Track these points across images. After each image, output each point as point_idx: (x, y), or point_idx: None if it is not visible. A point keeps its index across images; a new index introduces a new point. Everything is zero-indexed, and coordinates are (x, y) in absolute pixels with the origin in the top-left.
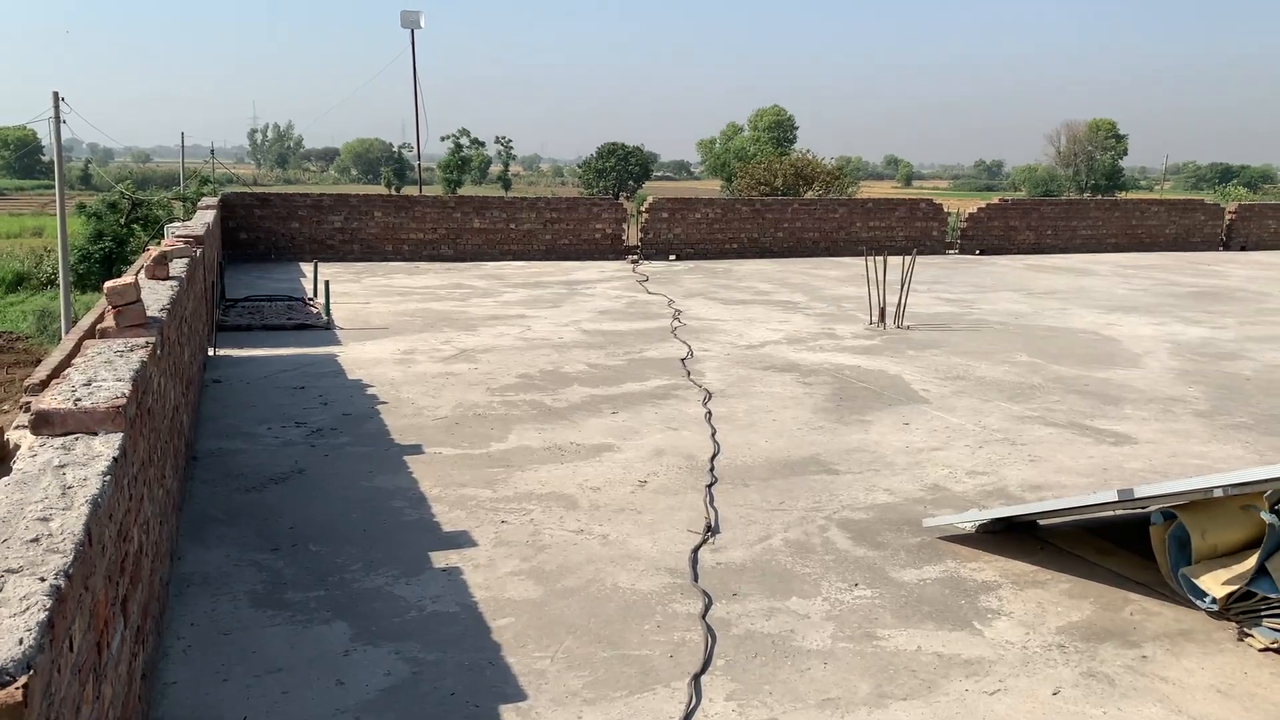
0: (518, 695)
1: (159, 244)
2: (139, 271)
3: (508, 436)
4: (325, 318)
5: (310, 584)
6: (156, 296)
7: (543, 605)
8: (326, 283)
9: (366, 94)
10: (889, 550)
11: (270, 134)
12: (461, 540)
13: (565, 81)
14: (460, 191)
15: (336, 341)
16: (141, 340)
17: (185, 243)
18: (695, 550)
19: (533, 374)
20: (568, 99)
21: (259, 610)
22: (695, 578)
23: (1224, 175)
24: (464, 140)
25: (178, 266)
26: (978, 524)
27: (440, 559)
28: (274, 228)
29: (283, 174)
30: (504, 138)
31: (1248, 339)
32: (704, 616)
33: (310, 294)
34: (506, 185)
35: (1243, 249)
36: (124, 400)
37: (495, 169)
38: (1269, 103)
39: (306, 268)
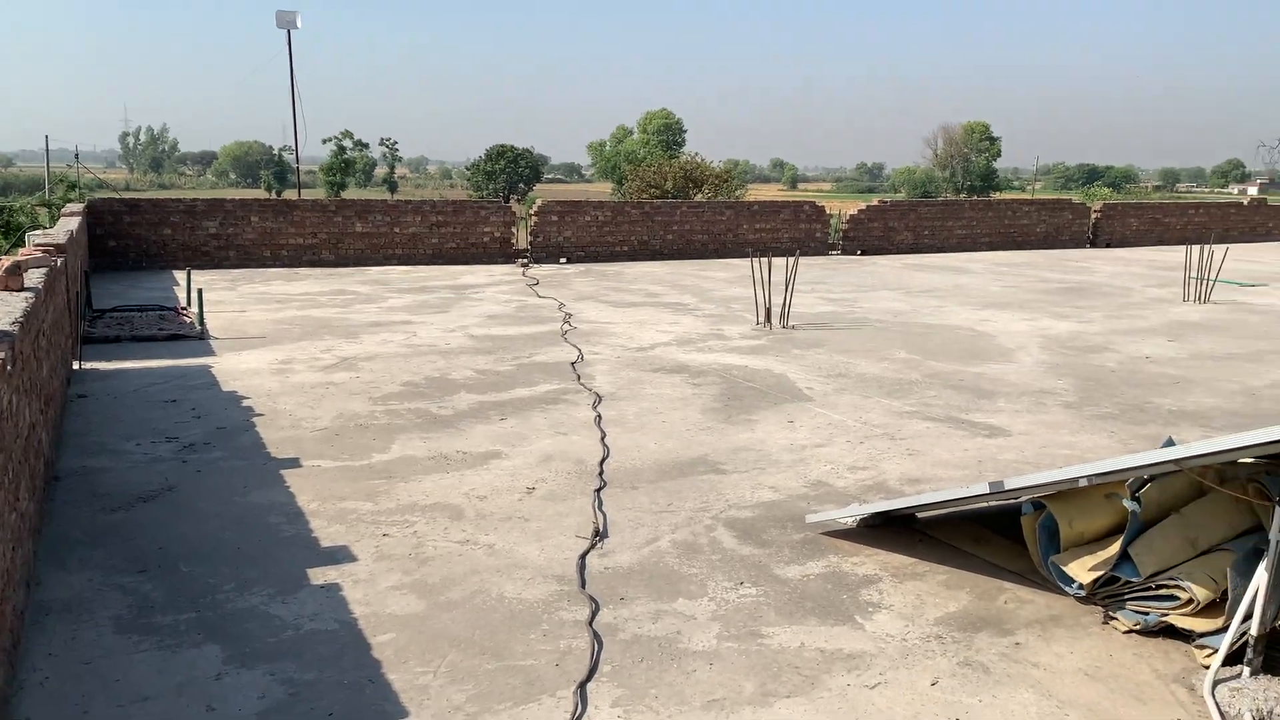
0: (399, 713)
1: (18, 253)
2: None
3: (391, 447)
4: (199, 327)
5: (180, 606)
6: (8, 309)
7: (426, 619)
8: (200, 291)
9: (245, 96)
10: (774, 548)
11: (143, 137)
12: (341, 555)
13: (453, 83)
14: (344, 195)
15: (211, 352)
16: None
17: (44, 251)
18: (583, 556)
19: (418, 381)
20: (456, 101)
21: (124, 636)
22: (583, 584)
23: (1090, 176)
24: (347, 142)
25: (34, 277)
26: (858, 518)
27: (318, 575)
28: (145, 235)
29: (157, 178)
30: (389, 139)
31: (1113, 332)
32: (591, 623)
33: (184, 303)
34: (392, 188)
35: (1107, 246)
36: None
37: (380, 171)
38: (1132, 106)
39: (180, 276)
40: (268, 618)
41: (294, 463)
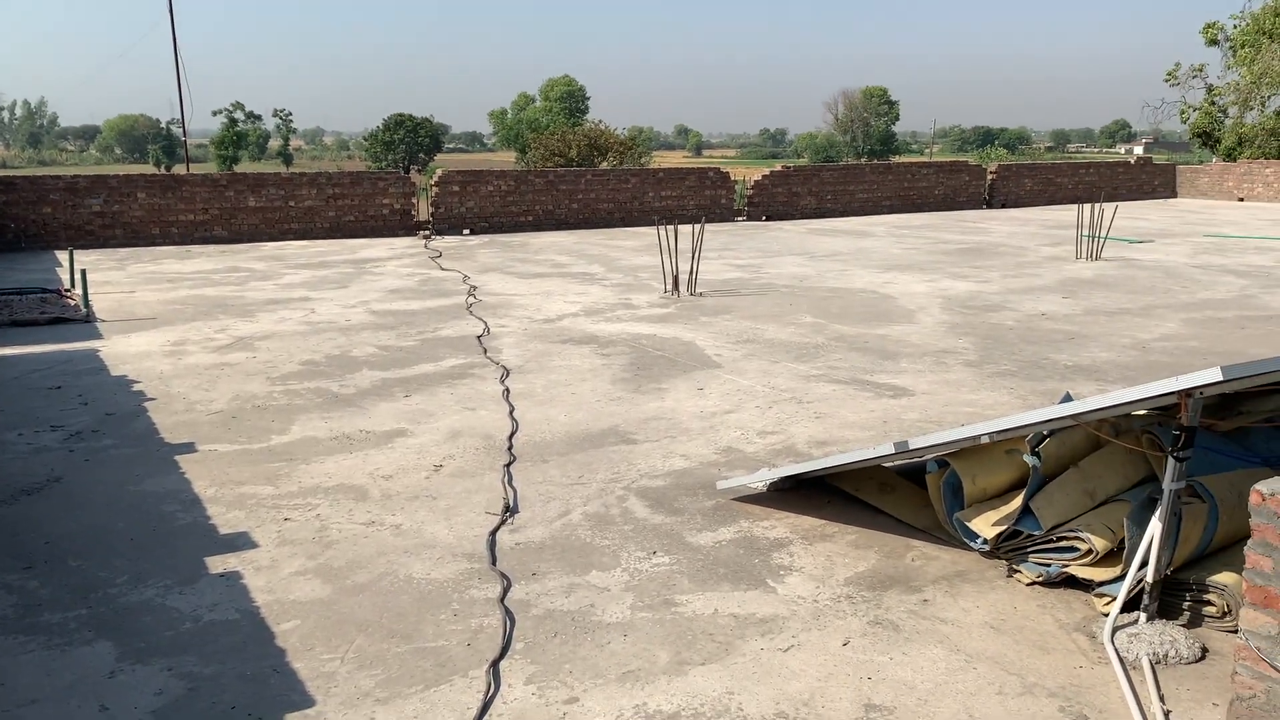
0: (305, 701)
1: None
2: None
3: (290, 428)
4: (84, 310)
5: (69, 603)
6: None
7: (331, 604)
8: (84, 272)
9: (128, 66)
10: (686, 515)
11: (19, 111)
12: (241, 542)
13: (349, 52)
14: (236, 169)
15: (98, 335)
16: None
17: None
18: (493, 532)
19: (318, 360)
20: (352, 70)
21: (9, 637)
22: (493, 561)
23: (986, 138)
24: (238, 114)
25: None
26: (768, 483)
27: (218, 564)
28: (22, 214)
29: (35, 155)
30: (283, 111)
31: (1009, 291)
32: (502, 600)
33: (67, 284)
34: (287, 161)
35: (1003, 206)
36: None
37: (274, 144)
38: (1023, 68)
39: (62, 256)
40: (164, 610)
41: (189, 448)
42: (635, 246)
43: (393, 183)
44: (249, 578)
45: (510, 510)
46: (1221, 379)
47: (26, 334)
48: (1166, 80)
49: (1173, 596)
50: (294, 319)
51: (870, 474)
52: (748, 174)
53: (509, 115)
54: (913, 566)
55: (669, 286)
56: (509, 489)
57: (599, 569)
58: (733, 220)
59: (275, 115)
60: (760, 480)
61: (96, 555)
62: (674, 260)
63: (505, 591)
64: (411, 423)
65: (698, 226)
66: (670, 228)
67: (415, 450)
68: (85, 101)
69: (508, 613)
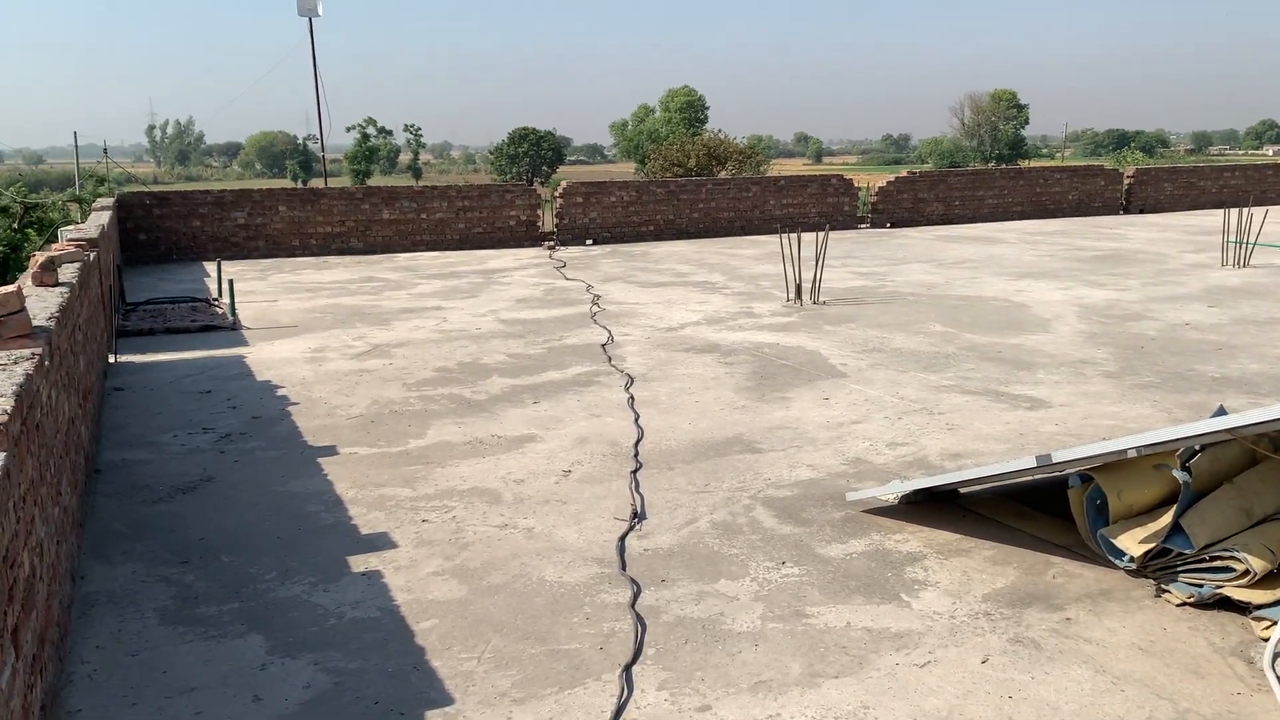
0: (444, 700)
1: (51, 249)
2: (26, 279)
3: (426, 432)
4: (231, 318)
5: (223, 597)
6: (44, 304)
7: (468, 604)
8: (231, 281)
9: (268, 86)
10: (814, 526)
11: (170, 130)
12: (381, 542)
13: (474, 67)
14: (369, 182)
15: (244, 342)
16: (27, 352)
17: (77, 246)
18: (622, 538)
19: (450, 367)
20: (478, 85)
21: (169, 628)
22: (623, 566)
23: (1120, 141)
24: (370, 130)
25: (69, 272)
26: (900, 495)
27: (359, 563)
28: (174, 227)
29: (184, 171)
30: (413, 126)
31: (1150, 300)
32: (633, 605)
33: (214, 294)
34: (417, 174)
35: (1141, 212)
36: (5, 418)
37: (405, 158)
38: (1160, 66)
39: (210, 267)
40: (310, 606)
41: (330, 450)
42: (756, 255)
43: (519, 195)
44: (389, 576)
45: (638, 516)
46: None
47: (180, 341)
48: None
49: None
50: (427, 327)
51: (1007, 504)
52: (871, 180)
53: (629, 127)
54: (1054, 584)
55: (791, 295)
56: (636, 495)
57: (728, 578)
58: (856, 228)
59: (406, 130)
60: (891, 492)
61: (247, 552)
62: (796, 268)
63: (635, 597)
64: (541, 428)
65: (820, 234)
66: (792, 235)
67: (545, 455)
68: (229, 119)
69: (639, 618)
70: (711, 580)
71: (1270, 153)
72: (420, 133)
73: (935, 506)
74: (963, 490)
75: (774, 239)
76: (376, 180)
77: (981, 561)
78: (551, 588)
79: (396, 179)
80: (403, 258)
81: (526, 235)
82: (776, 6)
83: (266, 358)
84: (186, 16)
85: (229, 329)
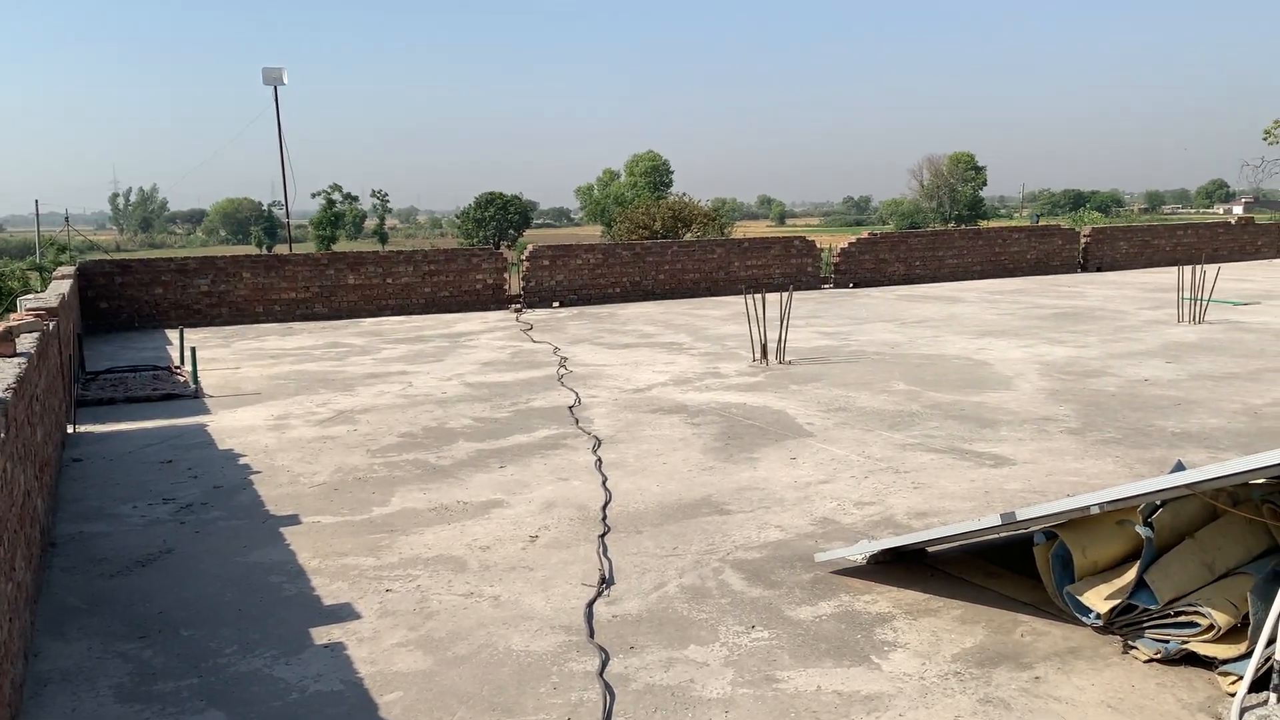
0: None
1: (9, 318)
2: None
3: (390, 499)
4: (193, 386)
5: (182, 672)
6: (1, 375)
7: (433, 676)
8: (194, 349)
9: (233, 153)
10: (784, 588)
11: (133, 197)
12: (344, 613)
13: (439, 132)
14: (335, 248)
15: (206, 410)
16: None
17: (36, 316)
18: (590, 604)
19: (415, 432)
20: (444, 150)
21: (125, 705)
22: (591, 633)
23: (1077, 201)
24: (336, 195)
25: (27, 341)
26: (868, 555)
27: (322, 635)
28: (137, 295)
29: (148, 238)
30: (379, 191)
31: (1110, 356)
32: (601, 673)
33: (177, 362)
34: (383, 239)
35: (1098, 270)
36: None
37: (371, 223)
38: (1113, 131)
39: (173, 335)
40: (271, 680)
41: (293, 519)
42: (722, 316)
43: (485, 258)
44: (352, 648)
45: (606, 582)
46: None
47: (141, 410)
48: (1265, 138)
49: None
50: (392, 392)
51: (974, 563)
52: (833, 241)
53: (595, 190)
54: (1022, 642)
55: (757, 355)
56: (604, 560)
57: (697, 643)
58: (819, 288)
59: (373, 195)
60: (860, 553)
61: (207, 625)
62: (762, 328)
63: (604, 665)
64: (507, 493)
65: (785, 294)
66: (757, 296)
67: (511, 521)
68: (193, 186)
69: (607, 687)
70: (681, 646)
71: (1221, 211)
72: (386, 197)
73: (903, 566)
74: (930, 549)
75: (739, 299)
76: (342, 246)
77: (950, 621)
78: (518, 657)
79: (362, 244)
80: (368, 323)
81: (493, 298)
82: (736, 73)
83: (229, 425)
84: (150, 84)
85: (191, 397)
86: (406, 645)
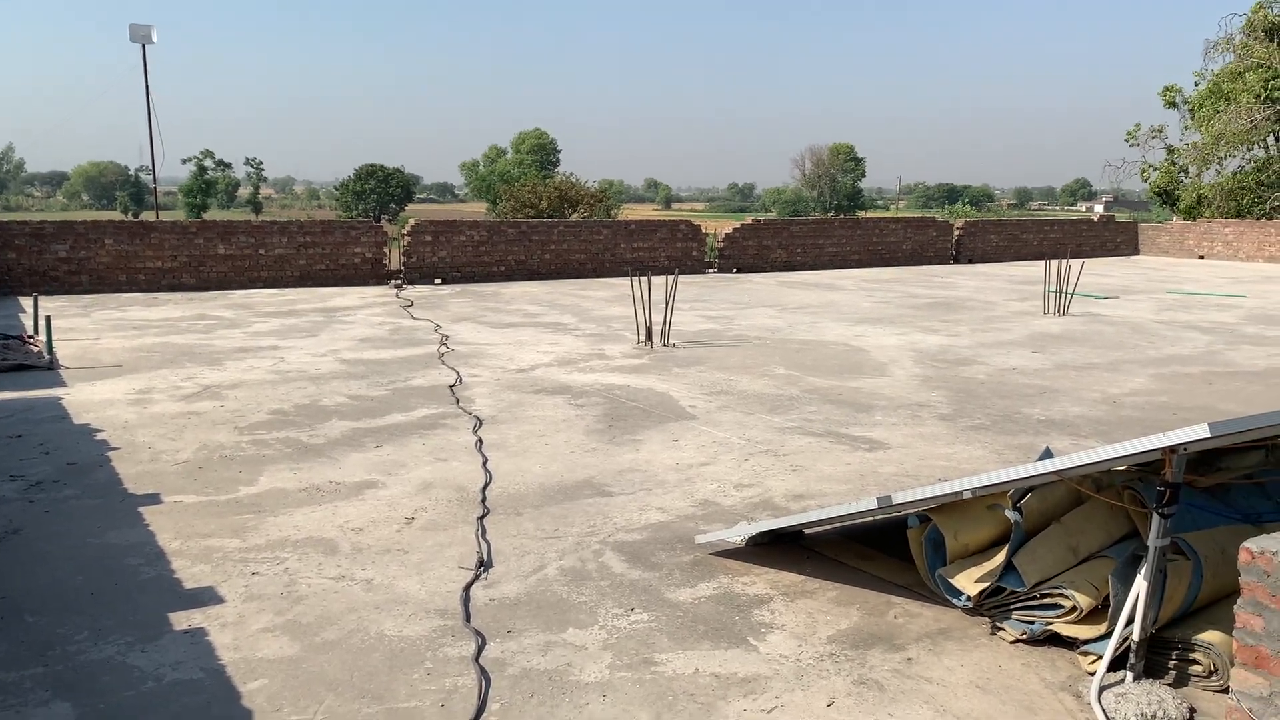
0: None
1: None
2: None
3: (259, 479)
4: (47, 357)
5: (26, 661)
6: None
7: (300, 662)
8: (48, 318)
9: (97, 113)
10: (664, 570)
11: None
12: (206, 597)
13: (320, 101)
14: (206, 216)
15: (61, 383)
16: None
17: None
18: (467, 588)
19: (287, 409)
20: (323, 119)
21: None
22: (467, 617)
23: (950, 195)
24: (208, 162)
25: None
26: (747, 537)
27: (182, 620)
28: None
29: (2, 200)
30: (254, 159)
31: (980, 345)
32: (477, 659)
33: (30, 331)
34: (257, 209)
35: (970, 261)
36: None
37: (244, 192)
38: (986, 127)
39: (26, 302)
40: (125, 669)
41: (154, 499)
42: (607, 297)
43: (364, 231)
44: (214, 634)
45: (484, 565)
46: (1209, 435)
47: None
48: (1127, 140)
49: (1158, 655)
50: (263, 368)
51: (850, 545)
52: (718, 227)
53: (480, 167)
54: (895, 624)
55: (642, 337)
56: (482, 543)
57: (576, 626)
58: (704, 272)
59: (247, 164)
60: (739, 535)
61: (55, 611)
62: (647, 311)
63: (480, 650)
64: (383, 474)
65: (671, 278)
66: (643, 279)
67: (386, 502)
68: (54, 148)
69: (483, 672)
70: (559, 630)
71: (1084, 209)
72: (261, 166)
73: (781, 548)
74: (807, 531)
75: (625, 281)
76: (214, 215)
77: (826, 603)
78: (391, 642)
79: (235, 214)
80: (239, 295)
81: (372, 273)
82: (627, 55)
83: (86, 399)
84: (8, 36)
85: (45, 368)
86: (272, 630)
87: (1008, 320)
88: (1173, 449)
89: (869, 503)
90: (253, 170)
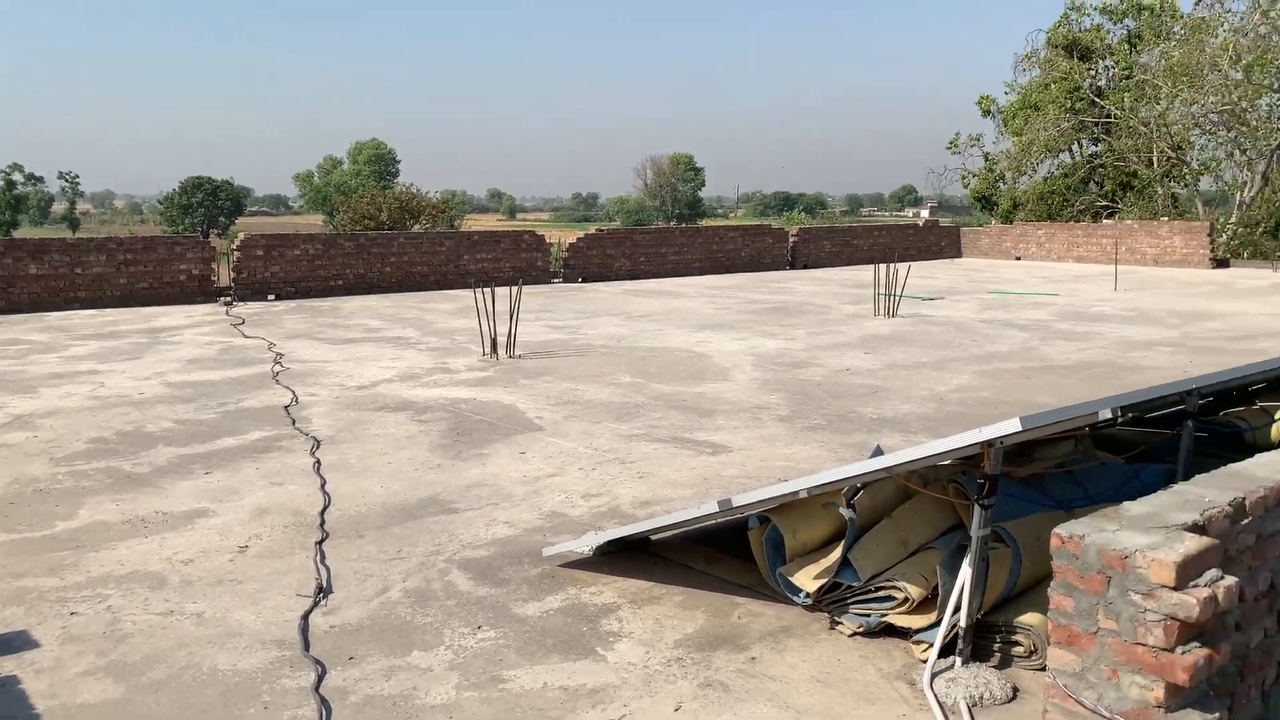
0: None
1: None
2: None
3: (77, 512)
4: None
5: None
6: None
7: (126, 705)
8: None
9: None
10: (511, 586)
11: None
12: (19, 642)
13: (141, 111)
14: (16, 234)
15: None
16: None
17: None
18: (305, 616)
19: (108, 437)
20: (145, 130)
21: None
22: (306, 646)
23: (786, 203)
24: (17, 176)
25: None
26: (594, 547)
27: None
28: None
29: None
30: (69, 173)
31: (815, 347)
32: (317, 688)
33: None
34: (74, 225)
35: (805, 267)
36: None
37: (59, 208)
38: (818, 137)
39: None
40: None
41: None
42: (451, 310)
43: (190, 247)
44: (28, 682)
45: (323, 591)
46: (1020, 429)
47: None
48: (948, 148)
49: (984, 639)
50: (81, 394)
51: (696, 549)
52: (562, 237)
53: (315, 178)
54: (739, 624)
55: (487, 349)
56: (321, 568)
57: (421, 648)
58: (549, 282)
59: (61, 178)
60: (586, 545)
61: None
62: (491, 323)
63: (320, 679)
64: (214, 501)
65: (515, 289)
66: (487, 290)
67: (218, 531)
68: None
69: (323, 702)
70: (404, 653)
71: (911, 214)
72: (77, 180)
73: (629, 555)
74: (654, 538)
75: (468, 294)
76: (25, 232)
77: (673, 608)
78: (225, 677)
79: (49, 231)
80: (53, 317)
81: (200, 291)
82: (466, 65)
83: None
84: None
85: None
86: (94, 673)
87: (841, 323)
88: (990, 443)
89: (710, 506)
90: (67, 184)
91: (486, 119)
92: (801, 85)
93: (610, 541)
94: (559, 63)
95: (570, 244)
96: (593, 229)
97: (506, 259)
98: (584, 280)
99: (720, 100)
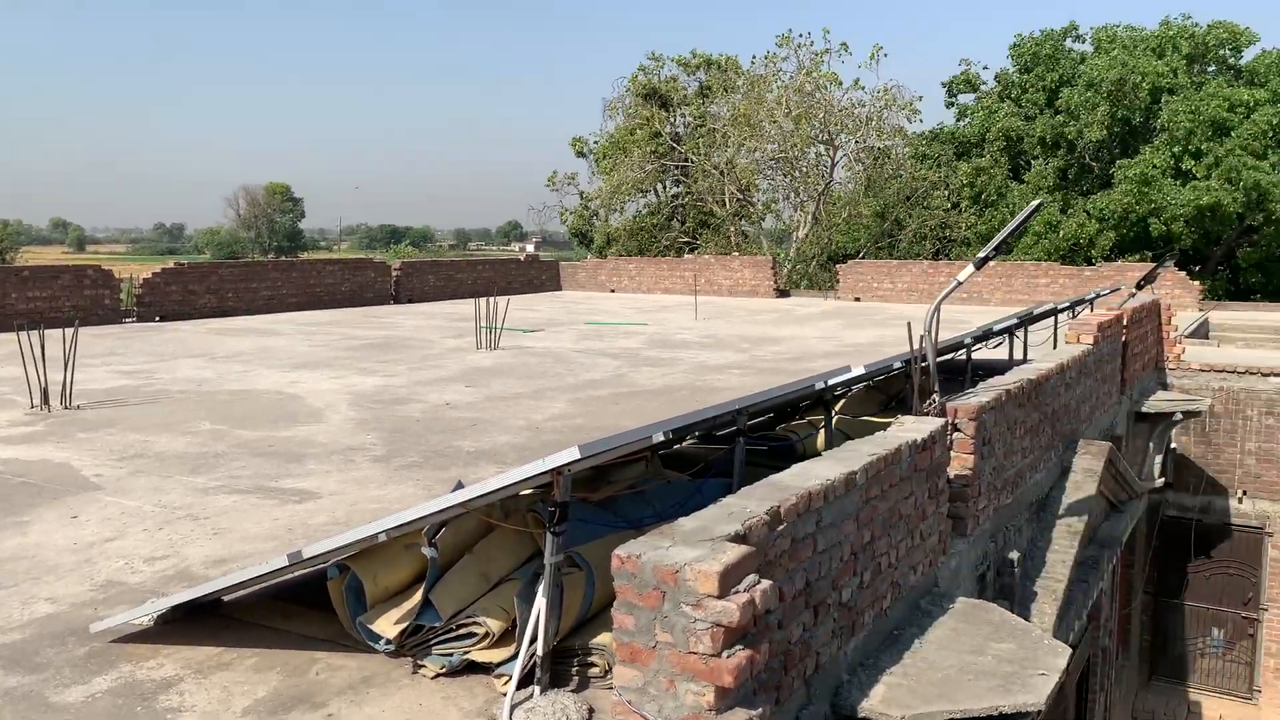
0: None
1: None
2: None
3: None
4: None
5: None
6: None
7: None
8: None
9: None
10: (50, 670)
11: None
12: None
13: None
14: None
15: None
16: None
17: None
18: None
19: None
20: None
21: None
22: None
23: (393, 236)
24: None
25: None
26: (155, 615)
27: None
28: None
29: None
30: None
31: (416, 383)
32: None
33: None
34: None
35: (410, 301)
36: None
37: None
38: (423, 174)
39: None
40: None
41: None
42: None
43: None
44: None
45: None
46: (580, 456)
47: None
48: (548, 185)
49: (564, 664)
50: None
51: (273, 605)
52: (139, 271)
53: None
54: (318, 681)
55: (37, 400)
56: None
57: None
58: (120, 322)
59: None
60: (146, 614)
61: None
62: (42, 370)
63: None
64: None
65: (70, 330)
66: (36, 333)
67: None
68: None
69: None
70: None
71: (516, 248)
72: None
73: (197, 621)
74: (226, 599)
75: (13, 337)
76: None
77: (244, 672)
78: None
79: None
80: None
81: None
82: (18, 70)
83: None
84: None
85: None
86: None
87: (443, 357)
88: (558, 470)
89: (280, 561)
90: None
91: (45, 136)
92: (409, 117)
93: (175, 608)
94: (120, 81)
95: (145, 279)
96: (171, 263)
97: (67, 296)
98: (162, 319)
99: (323, 131)
